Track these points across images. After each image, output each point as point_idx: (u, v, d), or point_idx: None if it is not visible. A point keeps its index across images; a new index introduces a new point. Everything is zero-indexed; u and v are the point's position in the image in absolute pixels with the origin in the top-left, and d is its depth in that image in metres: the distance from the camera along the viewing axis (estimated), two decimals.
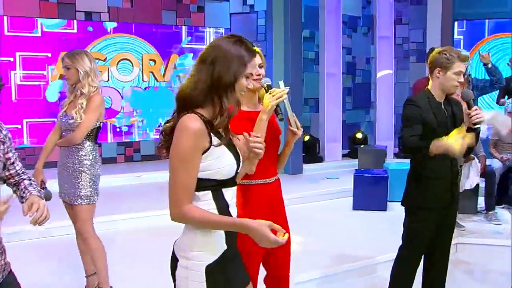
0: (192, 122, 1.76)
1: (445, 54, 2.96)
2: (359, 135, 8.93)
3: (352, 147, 8.80)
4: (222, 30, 8.78)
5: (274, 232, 1.77)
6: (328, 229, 5.42)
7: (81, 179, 3.23)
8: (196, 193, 1.82)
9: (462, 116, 3.07)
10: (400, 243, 3.26)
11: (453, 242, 4.97)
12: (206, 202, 1.83)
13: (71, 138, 3.22)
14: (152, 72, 8.37)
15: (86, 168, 3.25)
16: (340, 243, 4.90)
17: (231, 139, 1.92)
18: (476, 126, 2.94)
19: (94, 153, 3.31)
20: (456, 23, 8.93)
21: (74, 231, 3.42)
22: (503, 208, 6.16)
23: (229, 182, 1.89)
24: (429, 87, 3.08)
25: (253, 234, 1.76)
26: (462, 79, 2.99)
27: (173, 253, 1.91)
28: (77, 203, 3.24)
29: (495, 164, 6.19)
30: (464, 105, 3.02)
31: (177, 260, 1.87)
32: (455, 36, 9.00)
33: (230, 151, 1.86)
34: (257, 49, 2.49)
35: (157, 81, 8.42)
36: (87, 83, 3.23)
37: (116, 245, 4.60)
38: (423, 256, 3.28)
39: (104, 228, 4.60)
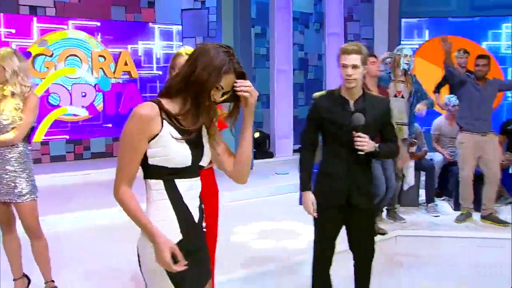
0: (142, 108, 1.83)
1: (340, 50, 3.01)
2: None
3: None
4: (173, 27, 8.73)
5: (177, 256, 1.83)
6: (269, 224, 5.46)
7: (20, 177, 3.23)
8: (149, 181, 1.89)
9: (374, 113, 3.03)
10: None
11: (393, 234, 5.18)
12: (158, 191, 1.88)
13: (11, 139, 3.19)
14: (102, 69, 8.25)
15: (23, 166, 3.26)
16: (278, 239, 4.94)
17: (200, 137, 1.93)
18: (360, 153, 2.91)
19: (27, 152, 3.33)
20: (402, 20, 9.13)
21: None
22: (443, 200, 6.38)
23: (184, 173, 1.89)
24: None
25: (155, 246, 1.83)
26: (350, 72, 2.94)
27: (137, 249, 1.94)
28: (20, 201, 3.24)
29: (436, 158, 6.39)
30: None
31: (139, 256, 1.92)
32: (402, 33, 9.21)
33: (188, 144, 1.87)
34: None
35: (108, 77, 8.30)
36: (18, 82, 3.20)
37: (63, 243, 4.55)
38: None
39: (50, 227, 4.58)
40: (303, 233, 4.97)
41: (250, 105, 1.90)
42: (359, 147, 2.90)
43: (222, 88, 1.86)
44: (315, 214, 3.06)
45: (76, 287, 3.79)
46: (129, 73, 8.49)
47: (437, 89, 6.87)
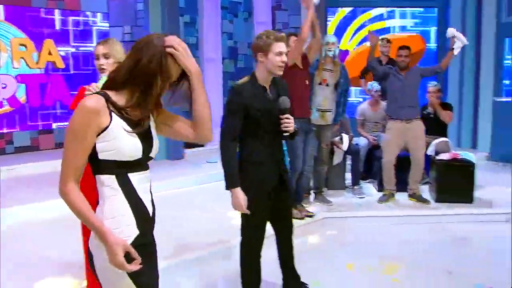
0: (89, 100, 1.77)
1: (262, 38, 3.05)
2: None
3: None
4: (98, 15, 8.50)
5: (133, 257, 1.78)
6: (200, 212, 5.52)
7: None
8: (101, 176, 1.83)
9: (285, 94, 3.12)
10: None
11: (320, 216, 5.37)
12: (110, 187, 1.83)
13: None
14: (23, 58, 7.90)
15: None
16: (209, 226, 5.00)
17: (148, 127, 1.91)
18: (286, 134, 3.03)
19: None
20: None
21: None
22: (368, 182, 6.68)
23: (136, 166, 1.87)
24: (255, 72, 3.13)
25: (106, 247, 1.76)
26: (285, 58, 3.05)
27: (89, 250, 1.88)
28: None
29: (361, 142, 6.67)
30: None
31: (92, 255, 1.86)
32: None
33: (138, 136, 1.84)
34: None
35: (30, 67, 7.98)
36: None
37: None
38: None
39: None
40: (233, 219, 5.05)
41: (194, 72, 1.89)
42: (287, 129, 3.01)
43: (169, 79, 1.86)
44: (248, 211, 3.08)
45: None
46: (54, 63, 8.20)
47: (362, 75, 7.16)
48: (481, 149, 8.54)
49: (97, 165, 1.82)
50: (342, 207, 5.70)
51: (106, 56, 3.00)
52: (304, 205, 5.37)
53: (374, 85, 6.62)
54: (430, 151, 6.22)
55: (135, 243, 1.82)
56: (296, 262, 3.73)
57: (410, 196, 5.89)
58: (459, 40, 5.65)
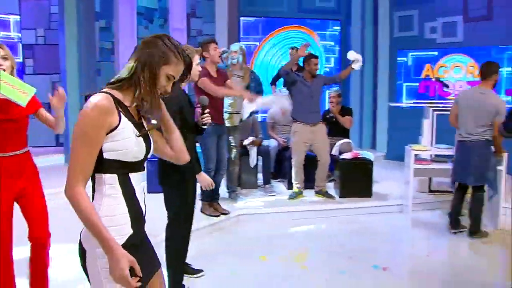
0: (98, 99, 1.73)
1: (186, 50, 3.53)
2: None
3: None
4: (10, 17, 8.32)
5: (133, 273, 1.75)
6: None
7: None
8: (103, 175, 1.80)
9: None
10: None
11: (235, 213, 5.69)
12: (111, 186, 1.80)
13: None
14: None
15: None
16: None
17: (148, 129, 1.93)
18: (204, 127, 3.48)
19: None
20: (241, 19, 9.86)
21: None
22: (279, 181, 7.13)
23: (137, 166, 1.87)
24: None
25: (111, 259, 1.70)
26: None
27: (80, 245, 1.84)
28: None
29: (272, 144, 7.12)
30: None
31: (85, 252, 1.82)
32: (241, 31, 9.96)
33: (142, 137, 1.85)
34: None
35: None
36: None
37: None
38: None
39: None
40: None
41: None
42: (207, 121, 3.43)
43: (174, 78, 1.88)
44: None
45: None
46: None
47: (273, 82, 7.63)
48: (379, 149, 9.42)
49: (100, 164, 1.78)
50: (255, 204, 6.06)
51: (4, 58, 3.00)
52: (220, 204, 5.65)
53: (282, 90, 7.07)
54: (334, 151, 6.80)
55: (128, 243, 1.81)
56: (212, 255, 4.04)
57: (317, 192, 6.39)
58: (358, 62, 6.24)
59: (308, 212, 5.97)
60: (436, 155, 6.06)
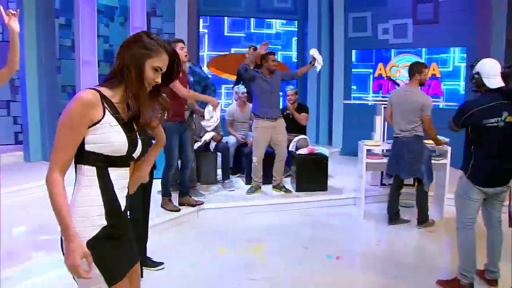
0: (83, 93, 1.82)
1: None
2: None
3: None
4: None
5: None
6: None
7: None
8: (83, 166, 1.87)
9: None
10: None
11: (196, 208, 5.85)
12: (89, 177, 1.87)
13: None
14: None
15: None
16: None
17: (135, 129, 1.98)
18: None
19: None
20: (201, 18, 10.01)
21: None
22: (237, 177, 7.32)
23: (118, 162, 1.92)
24: None
25: (67, 247, 1.78)
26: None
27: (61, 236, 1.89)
28: None
29: (231, 140, 7.30)
30: None
31: (62, 239, 1.86)
32: (201, 30, 10.11)
33: (125, 132, 1.91)
34: None
35: None
36: None
37: None
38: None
39: None
40: None
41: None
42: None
43: (161, 70, 1.96)
44: None
45: None
46: None
47: (236, 84, 7.83)
48: (335, 145, 9.77)
49: (81, 155, 1.87)
50: (214, 199, 6.22)
51: None
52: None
53: (241, 88, 7.27)
54: (291, 147, 7.05)
55: (101, 234, 1.88)
56: (172, 249, 4.17)
57: (275, 187, 6.61)
58: (318, 63, 6.51)
59: (266, 206, 6.19)
60: (387, 150, 6.38)
